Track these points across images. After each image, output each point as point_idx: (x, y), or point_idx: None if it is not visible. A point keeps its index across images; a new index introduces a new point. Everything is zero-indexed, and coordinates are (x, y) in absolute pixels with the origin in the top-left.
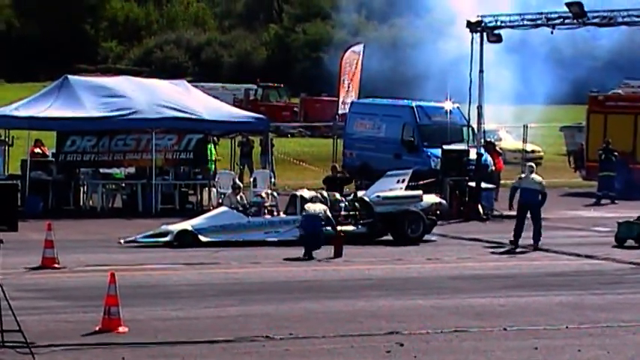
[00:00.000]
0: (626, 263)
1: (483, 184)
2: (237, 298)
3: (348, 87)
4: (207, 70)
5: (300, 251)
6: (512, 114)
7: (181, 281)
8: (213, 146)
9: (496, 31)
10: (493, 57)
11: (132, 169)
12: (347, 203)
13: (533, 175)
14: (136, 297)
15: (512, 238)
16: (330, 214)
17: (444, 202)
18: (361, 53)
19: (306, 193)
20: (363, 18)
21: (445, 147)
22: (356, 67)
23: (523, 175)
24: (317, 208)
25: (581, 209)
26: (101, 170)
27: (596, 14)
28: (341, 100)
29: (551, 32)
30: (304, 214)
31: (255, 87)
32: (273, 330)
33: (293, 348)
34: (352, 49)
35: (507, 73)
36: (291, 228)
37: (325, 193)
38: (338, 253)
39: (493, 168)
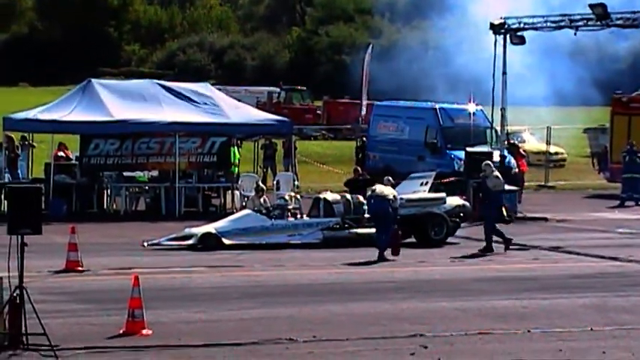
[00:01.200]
0: None
1: (507, 186)
2: (260, 301)
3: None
4: (230, 73)
5: (322, 254)
6: (536, 116)
7: (205, 284)
8: (236, 149)
9: (519, 33)
10: (516, 58)
11: (155, 172)
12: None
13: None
14: (160, 300)
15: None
16: (398, 199)
17: (467, 204)
18: (368, 54)
19: (330, 196)
20: (386, 20)
21: (468, 149)
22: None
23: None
24: (386, 190)
25: (604, 211)
26: (124, 173)
27: (619, 16)
28: (363, 102)
29: (575, 34)
30: (372, 194)
31: (278, 90)
32: (296, 333)
33: (316, 350)
34: (368, 50)
35: (530, 74)
36: (314, 230)
37: (349, 196)
38: (396, 252)
39: (517, 170)
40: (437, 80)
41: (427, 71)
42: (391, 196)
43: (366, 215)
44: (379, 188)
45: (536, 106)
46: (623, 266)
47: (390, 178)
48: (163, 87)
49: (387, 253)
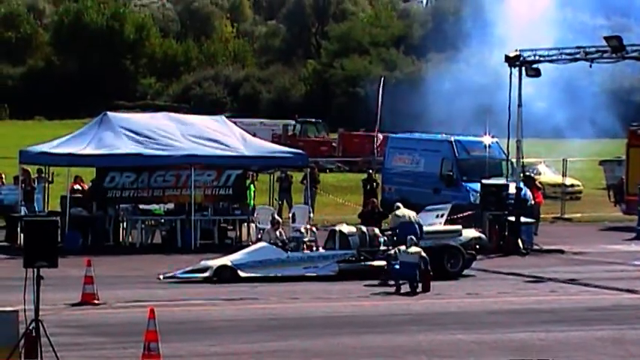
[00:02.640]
0: None
1: (523, 219)
2: (276, 334)
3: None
4: (246, 106)
5: (338, 286)
6: (552, 148)
7: (221, 316)
8: (252, 182)
9: (534, 65)
10: (532, 91)
11: (171, 205)
12: (386, 238)
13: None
14: (176, 332)
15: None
16: (425, 255)
17: (483, 236)
18: (382, 87)
19: (345, 228)
20: (401, 53)
21: (484, 181)
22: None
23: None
24: (413, 250)
25: (621, 243)
26: (140, 206)
27: (635, 48)
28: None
29: (590, 66)
30: (402, 260)
31: (293, 122)
32: None
33: None
34: (381, 83)
35: (546, 107)
36: (329, 263)
37: (364, 228)
38: (426, 288)
39: (532, 202)
40: (452, 112)
41: (442, 103)
42: (418, 259)
43: (382, 247)
44: (404, 212)
45: (552, 139)
46: (639, 299)
47: (414, 238)
48: (179, 120)
49: (405, 286)
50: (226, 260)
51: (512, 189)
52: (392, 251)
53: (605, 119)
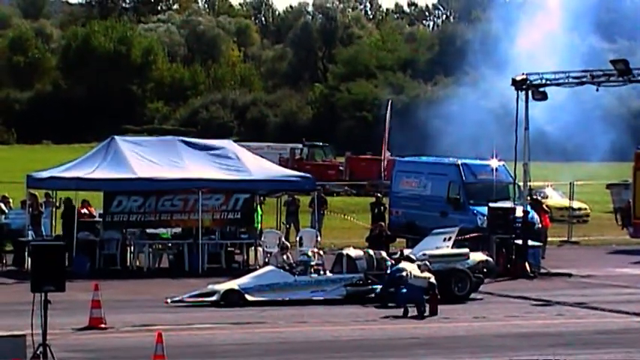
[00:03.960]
0: None
1: (530, 242)
2: (283, 357)
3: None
4: (253, 130)
5: (346, 310)
6: (559, 171)
7: (228, 340)
8: (259, 206)
9: (541, 89)
10: (539, 114)
11: (178, 229)
12: (393, 262)
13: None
14: (183, 357)
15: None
16: (434, 281)
17: (490, 259)
18: (389, 110)
19: (352, 252)
20: (408, 77)
21: (491, 205)
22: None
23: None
24: (424, 275)
25: (628, 267)
26: (148, 230)
27: None
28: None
29: (597, 90)
30: (410, 283)
31: (300, 146)
32: None
33: None
34: (387, 107)
35: (553, 130)
36: (337, 286)
37: (371, 252)
38: (433, 311)
39: (540, 225)
40: (459, 136)
41: (449, 127)
42: (427, 284)
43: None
44: (415, 274)
45: (560, 162)
46: None
47: (428, 263)
48: (186, 144)
49: (413, 309)
50: (234, 284)
51: (519, 212)
52: (403, 273)
53: (612, 142)
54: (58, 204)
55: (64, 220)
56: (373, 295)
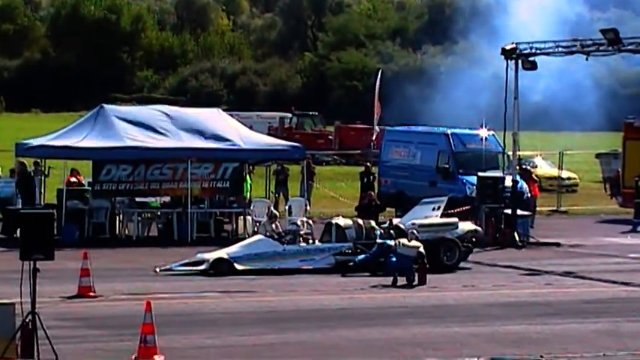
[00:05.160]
0: None
1: (519, 212)
2: (272, 326)
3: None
4: (242, 99)
5: (334, 279)
6: (548, 141)
7: (217, 309)
8: (248, 175)
9: (531, 58)
10: (528, 84)
11: (167, 198)
12: (382, 231)
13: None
14: (172, 325)
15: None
16: (423, 251)
17: (479, 229)
18: (379, 80)
19: (342, 221)
20: (397, 46)
21: (480, 174)
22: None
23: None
24: (413, 244)
25: (617, 236)
26: (137, 199)
27: (631, 40)
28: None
29: (586, 59)
30: (400, 252)
31: (289, 115)
32: (308, 358)
33: None
34: (378, 76)
35: (542, 100)
36: (326, 256)
37: (360, 221)
38: (422, 281)
39: (529, 195)
40: (448, 105)
41: (438, 96)
42: (416, 253)
43: (378, 240)
44: (404, 243)
45: (549, 131)
46: (635, 291)
47: (415, 232)
48: (176, 113)
49: (402, 278)
50: (223, 253)
51: (508, 182)
52: (392, 243)
53: (601, 112)
54: (46, 172)
55: (19, 187)
56: (352, 264)
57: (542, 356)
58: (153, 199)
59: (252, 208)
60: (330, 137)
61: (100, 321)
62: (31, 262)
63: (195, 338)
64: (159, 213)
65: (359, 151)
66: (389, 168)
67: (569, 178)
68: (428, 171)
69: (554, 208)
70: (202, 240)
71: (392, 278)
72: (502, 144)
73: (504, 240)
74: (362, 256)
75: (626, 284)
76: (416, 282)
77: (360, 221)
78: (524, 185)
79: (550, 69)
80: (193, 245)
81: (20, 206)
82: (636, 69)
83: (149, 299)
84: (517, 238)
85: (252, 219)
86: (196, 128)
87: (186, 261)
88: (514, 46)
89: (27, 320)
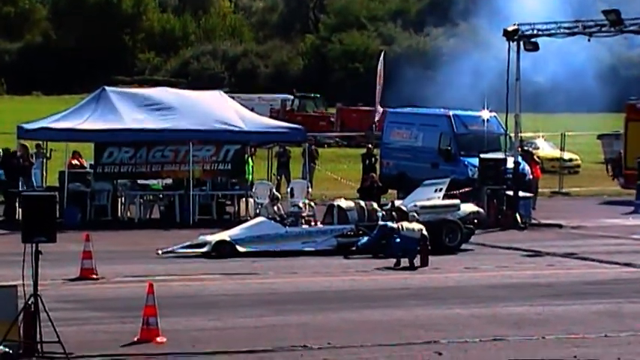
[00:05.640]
0: None
1: (521, 193)
2: (274, 308)
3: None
4: (244, 81)
5: (336, 261)
6: (550, 122)
7: (219, 291)
8: (250, 157)
9: (533, 40)
10: (530, 65)
11: (169, 180)
12: (384, 213)
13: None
14: (174, 307)
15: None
16: (426, 234)
17: (481, 210)
18: (382, 62)
19: (343, 203)
20: (399, 28)
21: (482, 156)
22: (379, 77)
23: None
24: (416, 227)
25: (619, 217)
26: (139, 181)
27: (633, 22)
28: (377, 109)
29: (588, 40)
30: (403, 234)
31: (291, 97)
32: (310, 340)
33: (331, 357)
34: (380, 58)
35: (545, 81)
36: (328, 238)
37: (362, 203)
38: (424, 262)
39: (531, 176)
40: (450, 87)
41: (440, 78)
42: (419, 235)
43: (380, 222)
44: (407, 226)
45: (551, 113)
46: (637, 272)
47: (416, 215)
48: (177, 95)
49: (405, 260)
50: (225, 235)
51: (510, 163)
52: (395, 225)
53: (603, 94)
54: (48, 155)
55: (5, 170)
56: (355, 247)
57: (543, 337)
58: (155, 182)
59: (254, 190)
60: (332, 119)
61: (102, 303)
62: (33, 245)
63: (197, 320)
64: (161, 195)
65: (361, 133)
66: (391, 150)
67: (570, 160)
68: (430, 153)
69: (556, 190)
70: (204, 222)
71: (394, 260)
72: (504, 126)
73: (506, 221)
74: (364, 240)
75: (628, 265)
76: (418, 264)
77: (362, 203)
78: (526, 167)
79: (552, 50)
80: (195, 227)
81: (22, 189)
82: (638, 50)
83: (151, 281)
84: (519, 220)
85: (254, 201)
86: (198, 110)
87: (188, 243)
88: (516, 27)
89: (29, 302)
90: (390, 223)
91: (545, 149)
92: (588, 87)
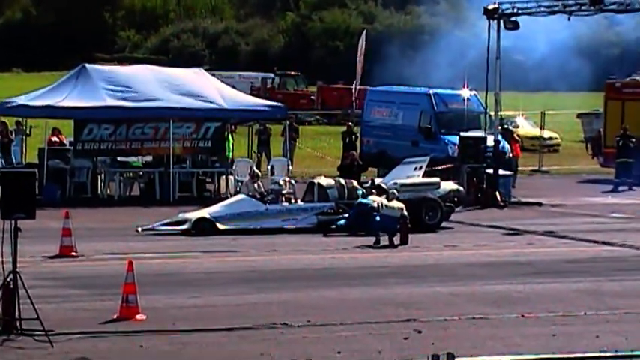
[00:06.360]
0: None
1: (501, 172)
2: (254, 286)
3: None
4: (224, 59)
5: (317, 239)
6: (530, 101)
7: (199, 269)
8: (230, 135)
9: (513, 18)
10: (510, 44)
11: (149, 158)
12: (364, 191)
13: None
14: (154, 285)
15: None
16: (406, 213)
17: (461, 189)
18: (363, 40)
19: (324, 181)
20: (380, 6)
21: (462, 134)
22: (360, 55)
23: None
24: (396, 205)
25: (598, 196)
26: (119, 159)
27: (613, 0)
28: (356, 87)
29: (568, 19)
30: (383, 213)
31: (272, 75)
32: (290, 317)
33: (310, 335)
34: (362, 36)
35: (524, 60)
36: (308, 215)
37: (343, 181)
38: (404, 240)
39: (510, 155)
40: (431, 65)
41: (420, 56)
42: (399, 214)
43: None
44: (387, 204)
45: (531, 92)
46: (616, 251)
47: (396, 193)
48: (157, 72)
49: (385, 238)
50: (205, 213)
51: (490, 142)
52: (374, 204)
53: (583, 72)
54: (28, 132)
55: None
56: (334, 226)
57: (523, 315)
58: (135, 159)
59: (234, 167)
60: (313, 97)
61: (82, 280)
62: (13, 221)
63: (177, 298)
64: (141, 173)
65: (340, 111)
66: (371, 128)
67: (550, 138)
68: (410, 131)
69: (536, 168)
70: (184, 200)
71: (374, 238)
72: (484, 104)
73: (486, 200)
74: (342, 221)
75: (608, 244)
76: (398, 242)
77: (343, 181)
78: (506, 145)
79: (532, 29)
80: (175, 205)
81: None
82: (618, 29)
83: (131, 259)
84: (499, 198)
85: (235, 179)
86: (178, 88)
87: (168, 220)
88: (496, 5)
89: (8, 279)
90: (366, 200)
91: (525, 128)
92: (568, 66)
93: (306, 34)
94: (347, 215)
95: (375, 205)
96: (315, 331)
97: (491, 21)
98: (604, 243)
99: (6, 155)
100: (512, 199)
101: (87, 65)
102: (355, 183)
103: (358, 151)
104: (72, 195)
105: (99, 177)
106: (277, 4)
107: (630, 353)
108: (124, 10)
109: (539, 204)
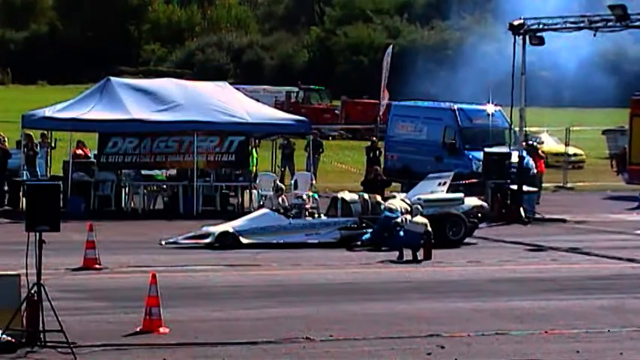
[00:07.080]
0: None
1: (525, 187)
2: (277, 300)
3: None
4: (249, 73)
5: (340, 253)
6: (555, 117)
7: (222, 282)
8: (254, 149)
9: (538, 34)
10: (536, 60)
11: (173, 171)
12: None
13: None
14: (177, 298)
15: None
16: (430, 229)
17: (485, 204)
18: (389, 55)
19: (347, 195)
20: (405, 21)
21: (487, 150)
22: (386, 70)
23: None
24: (420, 220)
25: (623, 213)
26: (143, 172)
27: (639, 17)
28: (382, 102)
29: (594, 35)
30: (407, 228)
31: (296, 89)
32: (313, 332)
33: (333, 350)
34: (387, 51)
35: (550, 76)
36: (331, 230)
37: (366, 195)
38: (427, 256)
39: (535, 171)
40: (455, 80)
41: (445, 71)
42: (423, 230)
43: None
44: (411, 220)
45: (556, 108)
46: None
47: (420, 208)
48: (182, 86)
49: (408, 253)
50: (228, 226)
51: (514, 158)
52: (399, 219)
53: (608, 89)
54: (53, 144)
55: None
56: (359, 242)
57: (546, 332)
58: (159, 172)
59: (258, 181)
60: (337, 112)
61: (105, 293)
62: (37, 234)
63: (200, 311)
64: (164, 186)
65: (365, 126)
66: (395, 143)
67: (575, 155)
68: (434, 146)
69: (561, 184)
70: (208, 213)
71: (397, 253)
72: (509, 120)
73: (510, 216)
74: (366, 236)
75: (632, 261)
76: (421, 257)
77: (366, 196)
78: (531, 161)
79: (557, 45)
80: (199, 218)
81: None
82: None
83: (154, 272)
84: (523, 214)
85: (258, 193)
86: (203, 101)
87: (192, 234)
88: (522, 21)
89: (32, 291)
90: (387, 213)
91: (550, 144)
92: (593, 82)
93: (330, 49)
94: (371, 230)
95: (400, 220)
96: (337, 346)
97: (516, 37)
98: (628, 260)
99: (31, 168)
100: (537, 215)
101: (112, 78)
102: (379, 198)
103: (382, 166)
104: (96, 208)
105: (123, 190)
106: (302, 19)
107: None
108: (149, 23)
109: (564, 220)
